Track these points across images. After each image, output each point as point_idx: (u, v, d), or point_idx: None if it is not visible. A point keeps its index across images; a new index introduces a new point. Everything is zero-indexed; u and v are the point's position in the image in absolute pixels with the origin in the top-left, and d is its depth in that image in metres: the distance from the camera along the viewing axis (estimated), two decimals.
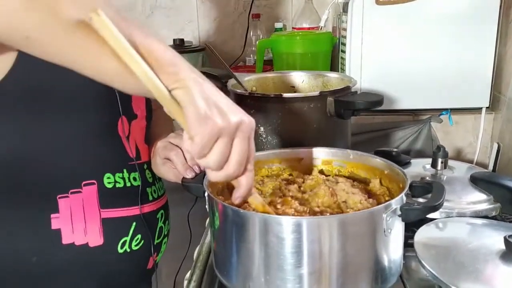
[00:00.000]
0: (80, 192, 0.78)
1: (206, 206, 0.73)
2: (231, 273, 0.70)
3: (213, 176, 0.59)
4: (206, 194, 0.72)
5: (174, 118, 0.55)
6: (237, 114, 0.55)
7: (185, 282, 0.82)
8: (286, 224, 0.63)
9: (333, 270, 0.64)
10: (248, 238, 0.65)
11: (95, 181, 0.79)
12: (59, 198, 0.77)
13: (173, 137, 0.85)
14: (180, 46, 1.86)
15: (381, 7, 1.38)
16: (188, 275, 0.83)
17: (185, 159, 0.81)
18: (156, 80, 0.52)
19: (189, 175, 0.79)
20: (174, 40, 1.87)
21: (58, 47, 0.53)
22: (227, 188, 0.81)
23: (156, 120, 0.95)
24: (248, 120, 0.57)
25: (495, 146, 1.39)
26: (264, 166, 0.87)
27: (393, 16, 1.39)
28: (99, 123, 0.80)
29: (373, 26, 1.40)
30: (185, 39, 1.91)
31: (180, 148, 0.82)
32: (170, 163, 0.83)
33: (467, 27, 1.39)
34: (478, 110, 1.47)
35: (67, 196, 0.77)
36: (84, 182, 0.78)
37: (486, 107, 1.46)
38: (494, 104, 1.47)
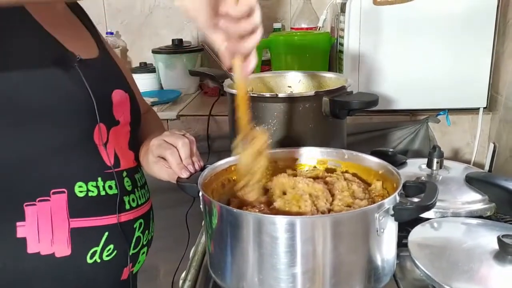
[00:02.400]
0: (48, 200, 0.76)
1: (201, 206, 0.73)
2: (225, 272, 0.71)
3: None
4: (200, 194, 0.72)
5: None
6: None
7: (180, 282, 0.83)
8: (279, 223, 0.63)
9: (326, 269, 0.64)
10: (242, 238, 0.66)
11: (65, 190, 0.77)
12: (26, 206, 0.75)
13: (168, 135, 0.83)
14: (179, 46, 1.86)
15: (379, 8, 1.38)
16: (183, 275, 0.83)
17: (180, 158, 0.81)
18: None
19: (184, 174, 0.79)
20: (173, 40, 1.87)
21: None
22: (222, 186, 0.82)
23: (147, 124, 0.94)
24: None
25: (491, 146, 1.40)
26: None
27: (391, 17, 1.39)
28: (73, 132, 0.78)
29: (371, 26, 1.40)
30: (184, 39, 1.91)
31: (176, 147, 0.81)
32: (164, 162, 0.82)
33: (464, 27, 1.39)
34: (475, 110, 1.47)
35: (34, 204, 0.75)
36: (53, 191, 0.76)
37: (484, 107, 1.46)
38: (491, 104, 1.47)
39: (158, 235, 1.46)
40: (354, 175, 0.83)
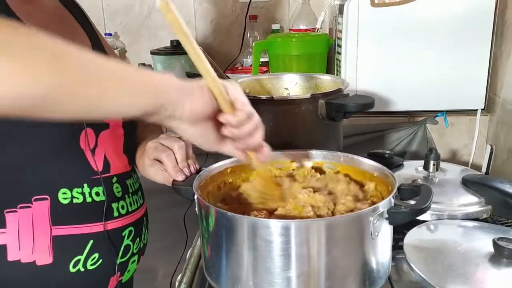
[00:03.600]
0: (29, 207, 0.74)
1: (196, 209, 0.73)
2: (220, 276, 0.71)
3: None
4: (195, 197, 0.72)
5: (216, 98, 0.64)
6: None
7: (176, 284, 0.83)
8: (274, 227, 0.63)
9: (321, 272, 0.64)
10: (237, 241, 0.66)
11: (48, 197, 0.76)
12: (7, 212, 0.74)
13: (164, 138, 0.83)
14: (177, 47, 1.86)
15: (377, 9, 1.38)
16: (179, 277, 0.83)
17: (176, 161, 0.81)
18: (208, 66, 0.64)
19: (180, 177, 0.79)
20: (171, 41, 1.87)
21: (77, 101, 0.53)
22: (218, 188, 0.82)
23: (145, 126, 0.93)
24: None
25: (488, 148, 1.40)
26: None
27: (389, 18, 1.39)
28: (57, 138, 0.76)
29: (369, 28, 1.40)
30: None
31: (172, 150, 0.81)
32: (159, 164, 0.81)
33: (462, 28, 1.39)
34: (473, 111, 1.47)
35: (15, 211, 0.74)
36: (35, 197, 0.75)
37: (482, 109, 1.46)
38: (489, 106, 1.47)
39: (156, 237, 1.46)
40: (346, 175, 0.83)
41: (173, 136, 0.84)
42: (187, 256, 0.90)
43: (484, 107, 1.45)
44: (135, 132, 0.93)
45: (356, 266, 0.66)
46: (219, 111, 0.64)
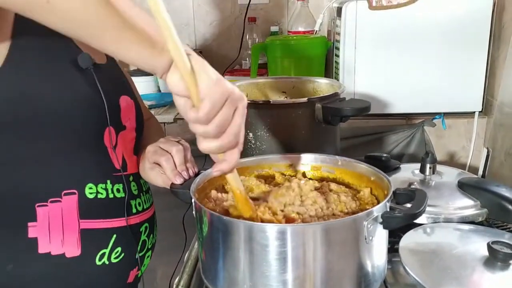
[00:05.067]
0: (59, 201, 0.77)
1: (193, 212, 0.74)
2: (217, 279, 0.71)
3: (206, 145, 0.61)
4: (193, 200, 0.73)
5: (187, 86, 0.58)
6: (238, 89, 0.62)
7: (174, 286, 0.83)
8: (270, 231, 0.64)
9: (316, 276, 0.65)
10: (233, 245, 0.66)
11: (76, 191, 0.78)
12: (38, 206, 0.76)
13: (163, 142, 0.85)
14: None
15: (374, 12, 1.39)
16: (177, 280, 0.84)
17: (175, 165, 0.82)
18: (181, 48, 0.56)
19: (178, 181, 0.80)
20: None
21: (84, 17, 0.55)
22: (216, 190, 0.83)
23: (148, 131, 0.95)
24: (245, 98, 0.62)
25: (484, 151, 1.40)
26: (254, 172, 0.88)
27: (386, 21, 1.40)
28: (85, 133, 0.79)
29: (367, 30, 1.41)
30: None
31: (170, 154, 0.83)
32: (159, 168, 0.83)
33: (460, 31, 1.40)
34: (471, 114, 1.48)
35: (46, 205, 0.76)
36: (64, 192, 0.77)
37: (479, 111, 1.47)
38: (487, 108, 1.48)
39: (156, 238, 1.46)
40: (341, 183, 0.84)
41: (172, 140, 0.85)
42: (185, 259, 0.91)
43: (482, 109, 1.47)
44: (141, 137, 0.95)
45: (351, 269, 0.67)
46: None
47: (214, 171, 0.66)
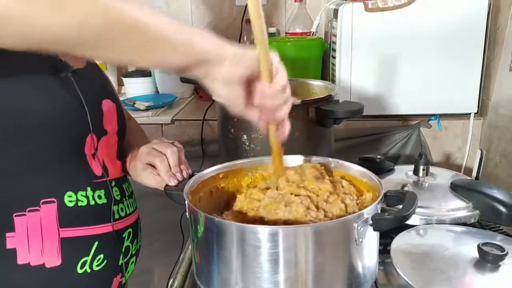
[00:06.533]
0: (38, 210, 0.75)
1: (186, 214, 0.75)
2: (210, 280, 0.72)
3: (286, 110, 0.70)
4: (186, 202, 0.73)
5: (263, 63, 0.66)
6: None
7: (168, 287, 0.84)
8: (262, 233, 0.64)
9: (308, 277, 0.66)
10: (225, 246, 0.67)
11: (55, 200, 0.77)
12: (15, 216, 0.74)
13: (157, 143, 0.85)
14: None
15: (370, 14, 1.40)
16: (171, 281, 0.84)
17: (169, 166, 0.82)
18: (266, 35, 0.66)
19: (172, 182, 0.81)
20: None
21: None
22: (210, 193, 0.83)
23: (130, 132, 0.95)
24: None
25: (478, 153, 1.41)
26: (248, 173, 0.88)
27: (382, 23, 1.40)
28: (66, 142, 0.77)
29: (363, 32, 1.42)
30: None
31: (165, 155, 0.83)
32: (152, 169, 0.83)
33: (455, 33, 1.40)
34: (466, 115, 1.48)
35: (24, 215, 0.74)
36: (42, 201, 0.76)
37: (475, 113, 1.47)
38: (482, 110, 1.48)
39: (153, 239, 1.47)
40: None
41: (165, 141, 0.86)
42: (179, 260, 0.92)
43: (477, 111, 1.47)
44: (124, 140, 0.94)
45: (342, 270, 0.68)
46: (255, 77, 0.66)
47: (285, 136, 0.73)
